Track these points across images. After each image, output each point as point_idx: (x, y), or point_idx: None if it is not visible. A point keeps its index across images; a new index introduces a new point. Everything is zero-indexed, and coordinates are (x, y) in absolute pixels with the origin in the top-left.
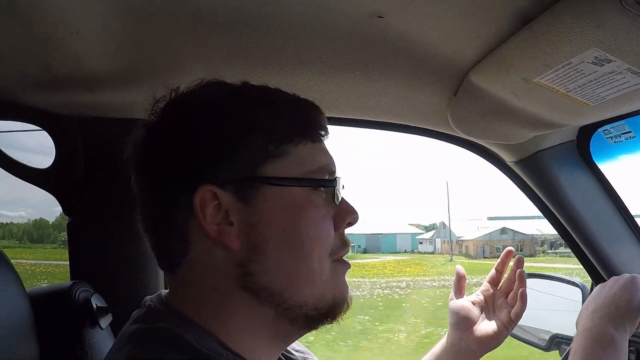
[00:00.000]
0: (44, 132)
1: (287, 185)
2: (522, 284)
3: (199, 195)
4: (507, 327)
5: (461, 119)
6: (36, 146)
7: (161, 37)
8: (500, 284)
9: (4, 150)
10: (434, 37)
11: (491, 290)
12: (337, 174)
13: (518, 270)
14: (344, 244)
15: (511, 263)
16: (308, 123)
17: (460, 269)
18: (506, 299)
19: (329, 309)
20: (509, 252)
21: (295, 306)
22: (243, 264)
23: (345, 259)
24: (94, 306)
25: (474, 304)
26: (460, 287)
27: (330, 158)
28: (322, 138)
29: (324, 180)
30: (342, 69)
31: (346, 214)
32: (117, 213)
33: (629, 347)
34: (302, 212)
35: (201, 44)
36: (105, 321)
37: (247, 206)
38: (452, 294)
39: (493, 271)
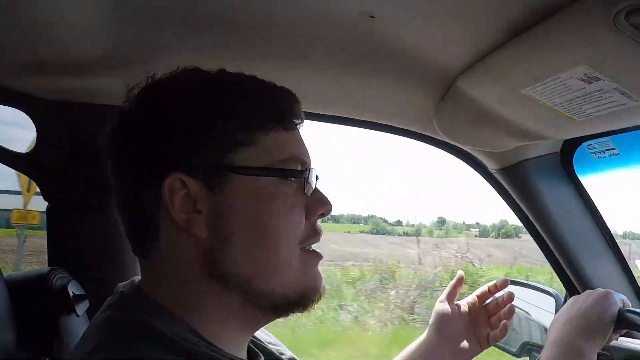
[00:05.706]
0: None
1: (255, 174)
2: (508, 317)
3: (167, 183)
4: (482, 346)
5: (446, 124)
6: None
7: (149, 24)
8: (488, 301)
9: None
10: (424, 41)
11: (477, 305)
12: (311, 165)
13: (507, 305)
14: (315, 233)
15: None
16: (281, 110)
17: (461, 274)
18: (488, 319)
19: (298, 299)
20: (505, 281)
21: (263, 294)
22: (210, 252)
23: (317, 250)
24: (71, 294)
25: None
26: (454, 292)
27: (303, 148)
28: (296, 126)
29: (292, 170)
30: (330, 66)
31: (319, 205)
32: (97, 201)
33: None
34: (269, 201)
35: (191, 33)
36: (81, 308)
37: (215, 195)
38: (443, 296)
39: (485, 288)
